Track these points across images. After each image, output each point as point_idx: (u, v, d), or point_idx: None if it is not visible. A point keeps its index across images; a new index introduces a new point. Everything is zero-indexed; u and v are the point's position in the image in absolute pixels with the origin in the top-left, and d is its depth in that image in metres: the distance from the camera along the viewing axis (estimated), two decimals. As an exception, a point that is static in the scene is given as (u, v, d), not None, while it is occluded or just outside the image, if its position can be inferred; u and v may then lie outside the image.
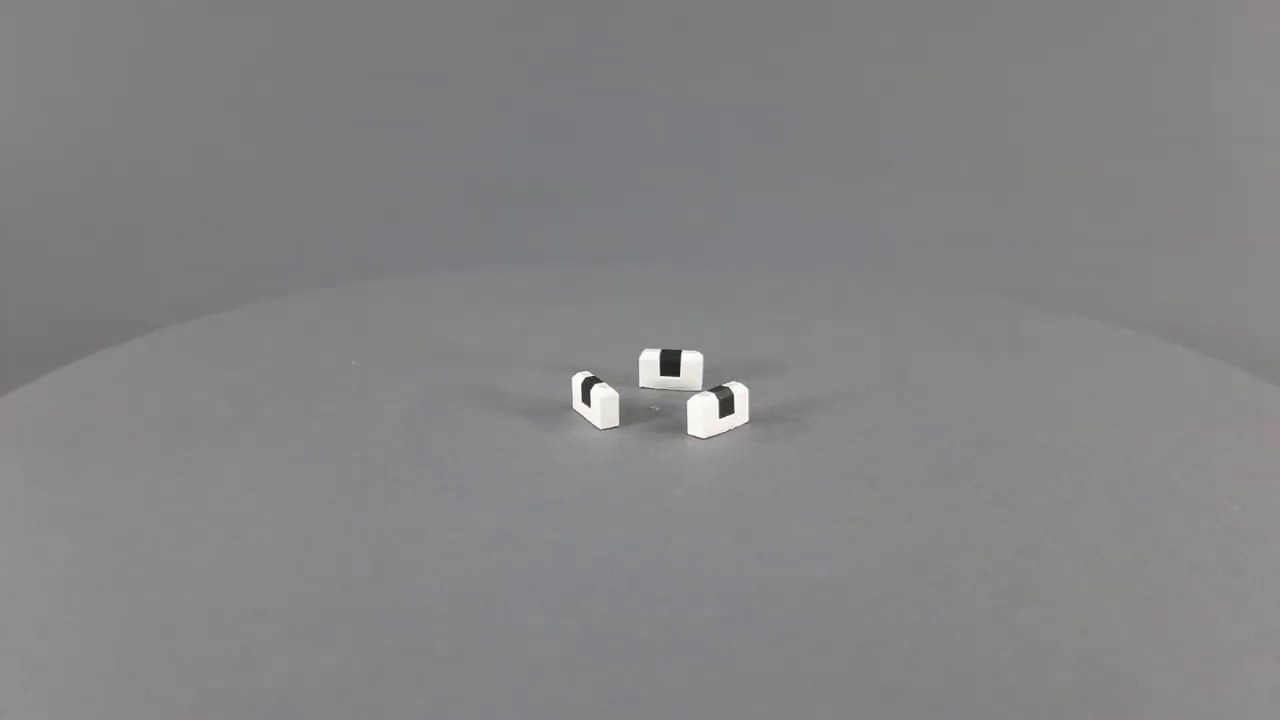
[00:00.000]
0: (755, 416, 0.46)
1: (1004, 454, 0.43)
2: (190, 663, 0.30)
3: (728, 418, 0.45)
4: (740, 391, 0.45)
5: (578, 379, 0.46)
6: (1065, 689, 0.29)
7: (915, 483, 0.40)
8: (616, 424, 0.45)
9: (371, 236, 1.22)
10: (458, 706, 0.28)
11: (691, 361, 0.49)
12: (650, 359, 0.49)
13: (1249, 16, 1.17)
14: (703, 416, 0.44)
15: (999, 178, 1.22)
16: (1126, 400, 0.49)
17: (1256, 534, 0.37)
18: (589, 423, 0.45)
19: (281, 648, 0.31)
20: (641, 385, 0.49)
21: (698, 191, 1.22)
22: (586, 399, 0.45)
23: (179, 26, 1.24)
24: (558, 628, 0.31)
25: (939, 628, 0.32)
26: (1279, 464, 0.43)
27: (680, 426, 0.45)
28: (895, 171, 1.23)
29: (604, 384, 0.45)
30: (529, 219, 1.22)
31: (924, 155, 1.23)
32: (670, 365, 0.49)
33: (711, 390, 0.45)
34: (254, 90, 1.26)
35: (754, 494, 0.40)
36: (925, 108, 1.23)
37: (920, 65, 1.23)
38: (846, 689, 0.29)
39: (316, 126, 1.26)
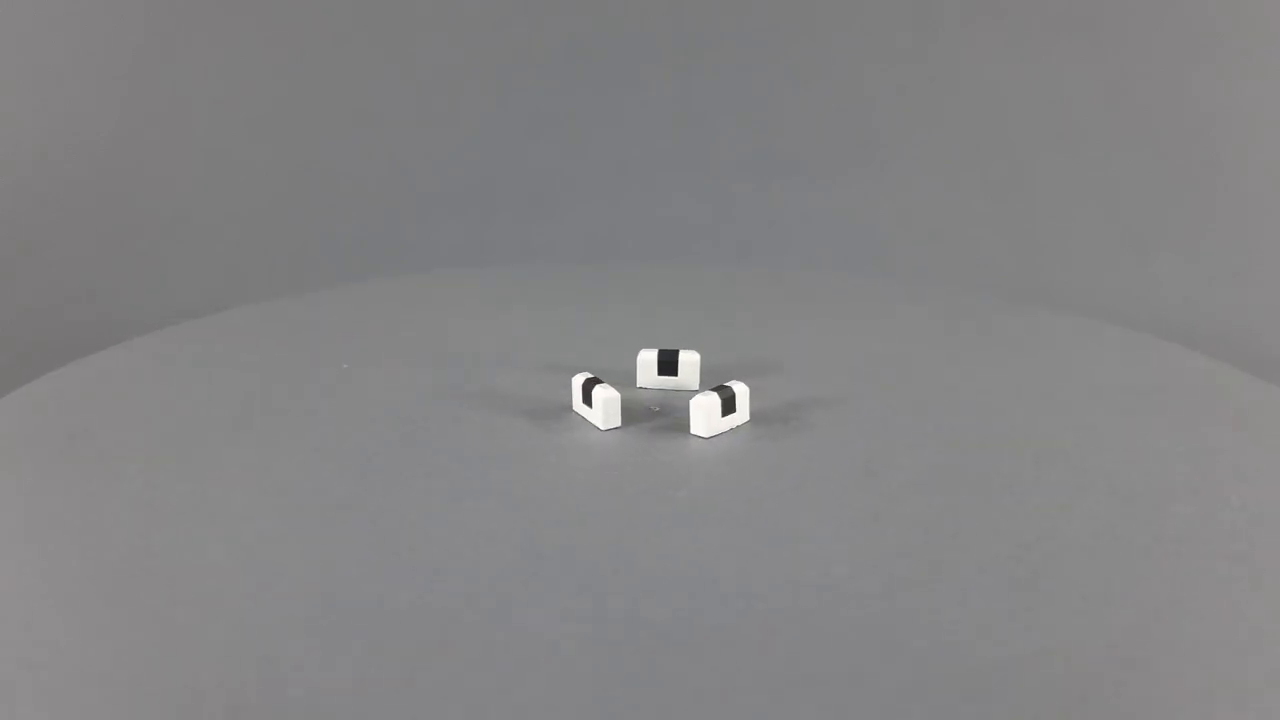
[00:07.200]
0: (756, 416, 0.46)
1: (1005, 452, 0.43)
2: (202, 669, 0.30)
3: (729, 417, 0.45)
4: (741, 390, 0.45)
5: (578, 380, 0.46)
6: (1072, 686, 0.29)
7: (920, 480, 0.40)
8: (618, 424, 0.45)
9: (370, 237, 1.22)
10: (468, 706, 0.28)
11: (689, 361, 0.49)
12: (648, 358, 0.49)
13: (1249, 15, 1.17)
14: (705, 416, 0.44)
15: (998, 176, 1.22)
16: (1125, 399, 0.49)
17: (1256, 533, 0.37)
18: (590, 424, 0.45)
19: (290, 651, 0.30)
20: (639, 385, 0.49)
21: (696, 190, 1.22)
22: (588, 400, 0.45)
23: (180, 26, 1.24)
24: (569, 628, 0.31)
25: (949, 624, 0.31)
26: (1278, 463, 0.43)
27: (681, 426, 0.45)
28: (895, 170, 1.22)
29: (605, 384, 0.45)
30: (526, 219, 1.22)
31: (923, 154, 1.23)
32: (668, 365, 0.49)
33: (713, 389, 0.44)
34: (253, 91, 1.25)
35: (759, 493, 0.39)
36: (923, 107, 1.23)
37: (920, 64, 1.23)
38: (861, 686, 0.29)
39: (316, 127, 1.26)
